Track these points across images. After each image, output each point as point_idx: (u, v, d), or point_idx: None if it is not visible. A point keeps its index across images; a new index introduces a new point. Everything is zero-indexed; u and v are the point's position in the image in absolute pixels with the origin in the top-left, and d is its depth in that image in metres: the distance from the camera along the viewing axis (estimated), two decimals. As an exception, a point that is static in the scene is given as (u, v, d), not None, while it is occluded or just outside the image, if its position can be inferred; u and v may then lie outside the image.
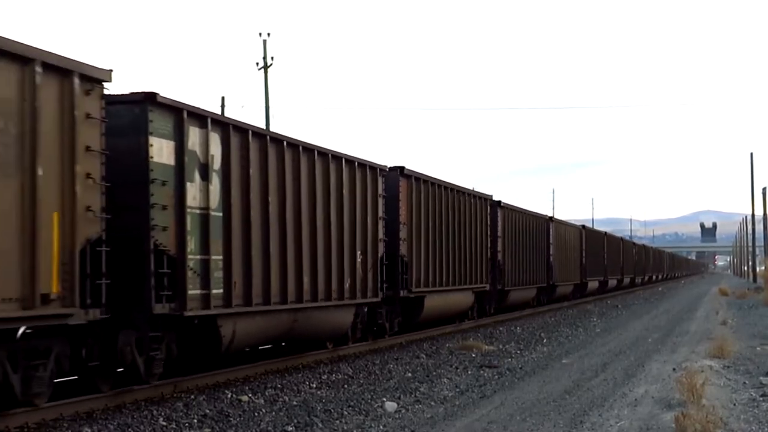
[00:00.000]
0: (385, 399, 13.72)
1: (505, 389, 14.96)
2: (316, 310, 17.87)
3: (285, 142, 16.66)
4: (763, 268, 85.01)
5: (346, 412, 12.61)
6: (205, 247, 14.18)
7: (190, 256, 13.75)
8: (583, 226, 53.31)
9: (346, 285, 19.04)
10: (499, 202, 33.06)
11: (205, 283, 14.12)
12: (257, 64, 50.15)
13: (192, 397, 13.79)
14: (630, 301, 52.92)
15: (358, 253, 19.70)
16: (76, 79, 11.35)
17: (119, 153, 12.39)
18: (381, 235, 20.91)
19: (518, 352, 21.50)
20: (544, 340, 24.64)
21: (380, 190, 20.88)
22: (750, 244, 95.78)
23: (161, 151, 13.34)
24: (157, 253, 13.12)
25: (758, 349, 20.70)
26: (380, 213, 20.88)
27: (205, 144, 14.32)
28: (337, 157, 18.89)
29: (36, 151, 10.74)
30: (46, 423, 11.43)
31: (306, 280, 17.24)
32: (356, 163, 19.65)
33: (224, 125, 14.96)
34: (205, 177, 14.32)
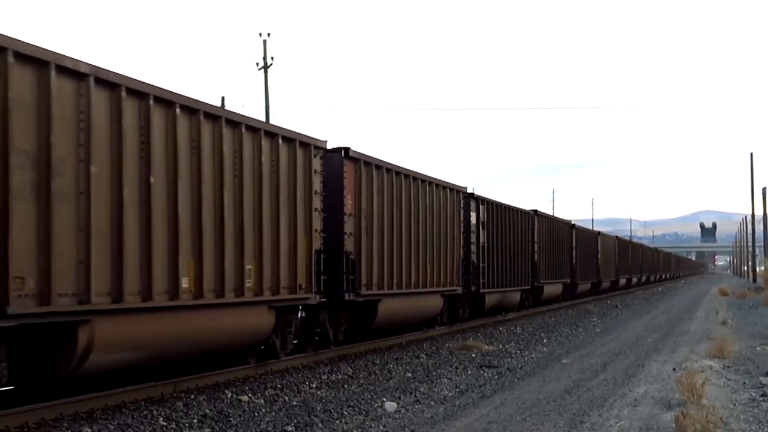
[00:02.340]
0: (385, 399, 13.72)
1: (505, 389, 14.96)
2: (510, 292, 33.71)
3: (501, 206, 32.48)
4: (763, 268, 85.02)
5: (346, 412, 12.61)
6: (483, 260, 29.67)
7: (480, 264, 29.34)
8: (617, 237, 68.21)
9: (519, 277, 34.77)
10: (574, 224, 47.95)
11: (483, 276, 29.62)
12: (257, 64, 50.18)
13: (192, 397, 13.79)
14: (630, 301, 52.94)
15: (527, 258, 36.18)
16: (461, 194, 27.08)
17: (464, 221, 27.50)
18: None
19: (518, 352, 21.51)
20: (544, 340, 24.64)
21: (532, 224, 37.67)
22: (750, 244, 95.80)
23: (474, 217, 29.03)
24: (473, 264, 28.69)
25: (758, 349, 20.71)
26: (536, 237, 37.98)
27: (485, 212, 30.21)
28: (529, 213, 37.34)
29: (454, 227, 26.09)
30: (46, 422, 11.42)
31: (508, 276, 32.65)
32: (519, 212, 35.22)
33: (488, 202, 30.80)
34: (484, 228, 29.95)
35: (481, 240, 29.61)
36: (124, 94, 12.08)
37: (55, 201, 10.84)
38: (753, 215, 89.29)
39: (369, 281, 19.70)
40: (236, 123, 14.71)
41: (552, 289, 41.29)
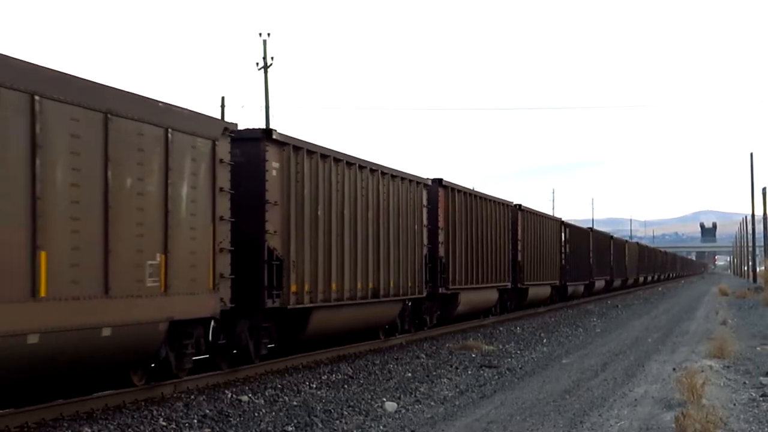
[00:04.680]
0: (385, 399, 13.72)
1: (505, 389, 14.96)
2: (578, 285, 48.33)
3: (572, 226, 46.47)
4: (763, 268, 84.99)
5: (346, 412, 12.61)
6: (568, 264, 45.53)
7: (567, 267, 45.25)
8: (638, 243, 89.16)
9: (582, 275, 47.87)
10: (612, 236, 65.28)
11: (568, 275, 45.34)
12: (257, 64, 50.16)
13: (192, 397, 13.79)
14: (630, 300, 52.95)
15: (586, 261, 50.94)
16: (558, 222, 44.60)
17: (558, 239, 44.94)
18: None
19: (518, 352, 21.51)
20: (544, 340, 24.64)
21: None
22: (750, 244, 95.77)
23: (563, 235, 44.76)
24: (563, 268, 44.43)
25: (758, 349, 20.72)
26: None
27: (568, 232, 46.02)
28: (585, 230, 53.71)
29: (556, 244, 43.32)
30: (46, 423, 11.42)
31: (577, 275, 46.04)
32: (582, 229, 49.19)
33: (569, 225, 46.63)
34: (568, 243, 45.58)
35: (567, 251, 45.47)
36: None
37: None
38: (753, 215, 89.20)
39: (528, 277, 36.80)
40: (484, 198, 30.75)
41: (599, 283, 56.98)
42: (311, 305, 17.26)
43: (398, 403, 13.33)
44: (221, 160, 14.37)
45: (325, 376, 16.40)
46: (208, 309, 14.09)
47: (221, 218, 14.31)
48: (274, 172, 16.20)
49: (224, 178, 14.41)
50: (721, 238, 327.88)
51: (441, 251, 25.37)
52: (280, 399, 13.86)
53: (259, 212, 15.82)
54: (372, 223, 20.22)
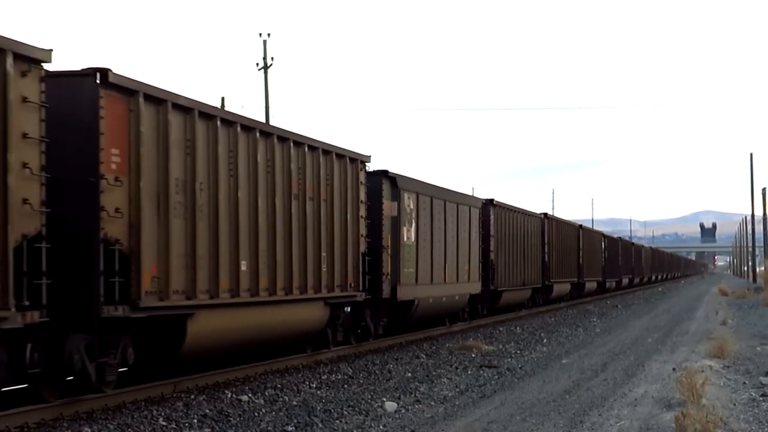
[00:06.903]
0: (385, 399, 13.72)
1: (505, 389, 14.96)
2: (611, 281, 62.15)
3: (610, 237, 62.88)
4: (763, 268, 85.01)
5: (346, 412, 12.61)
6: (607, 265, 59.86)
7: (606, 268, 59.77)
8: (651, 247, 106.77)
9: (615, 273, 61.57)
10: (633, 242, 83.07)
11: (607, 274, 59.99)
12: (257, 64, 50.18)
13: (192, 397, 13.79)
14: (630, 301, 52.96)
15: (617, 263, 62.96)
16: (600, 234, 60.05)
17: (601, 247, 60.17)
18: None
19: (518, 352, 21.51)
20: (544, 340, 24.65)
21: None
22: (750, 244, 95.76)
23: (602, 243, 59.00)
24: (603, 269, 59.02)
25: (758, 349, 20.71)
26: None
27: (606, 242, 60.42)
28: (615, 238, 67.94)
29: (598, 251, 57.28)
30: (46, 423, 11.42)
31: (611, 273, 60.78)
32: (612, 238, 63.83)
33: (609, 236, 62.84)
34: (606, 249, 60.03)
35: (606, 256, 58.42)
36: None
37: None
38: (753, 215, 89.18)
39: (585, 275, 50.56)
40: (563, 221, 47.37)
41: (624, 281, 69.13)
42: (503, 289, 32.24)
43: (398, 403, 13.33)
44: (479, 217, 29.28)
45: (325, 376, 16.40)
46: (477, 289, 28.92)
47: (480, 245, 29.25)
48: (492, 219, 31.36)
49: (480, 226, 29.21)
50: (721, 238, 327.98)
51: (546, 258, 40.46)
52: (280, 399, 13.87)
53: (486, 241, 30.66)
54: (521, 242, 35.30)
